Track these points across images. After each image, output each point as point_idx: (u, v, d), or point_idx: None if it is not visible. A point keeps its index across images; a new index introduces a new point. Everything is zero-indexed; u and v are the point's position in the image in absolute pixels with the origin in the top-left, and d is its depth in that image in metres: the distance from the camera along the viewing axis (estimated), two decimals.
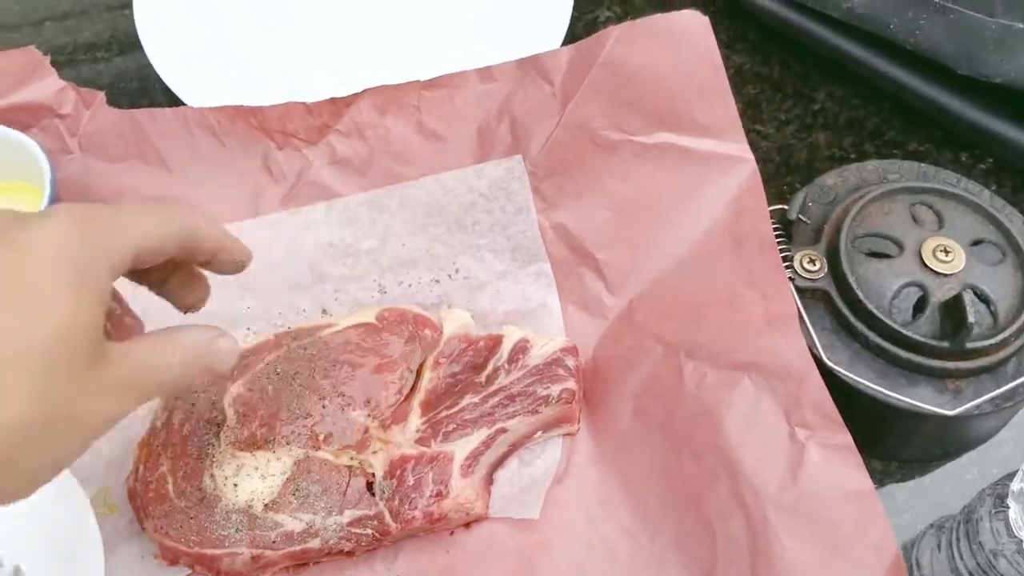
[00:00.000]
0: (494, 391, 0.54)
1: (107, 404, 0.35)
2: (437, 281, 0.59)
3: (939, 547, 0.52)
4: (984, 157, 0.66)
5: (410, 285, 0.59)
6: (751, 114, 0.69)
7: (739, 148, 0.55)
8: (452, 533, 0.52)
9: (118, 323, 0.40)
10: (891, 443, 0.54)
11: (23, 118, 0.62)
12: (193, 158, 0.63)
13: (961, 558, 0.51)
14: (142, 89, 0.70)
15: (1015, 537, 0.49)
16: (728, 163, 0.55)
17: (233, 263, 0.43)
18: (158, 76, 0.67)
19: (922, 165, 0.58)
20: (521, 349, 0.55)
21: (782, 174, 0.66)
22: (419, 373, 0.55)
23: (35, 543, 0.49)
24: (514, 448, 0.54)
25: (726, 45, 0.73)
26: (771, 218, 0.53)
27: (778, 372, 0.49)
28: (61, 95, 0.63)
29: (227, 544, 0.49)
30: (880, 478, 0.55)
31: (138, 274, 0.42)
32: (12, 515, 0.48)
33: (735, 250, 0.53)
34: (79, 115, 0.63)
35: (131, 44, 0.70)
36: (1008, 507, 0.49)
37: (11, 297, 0.31)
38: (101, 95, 0.63)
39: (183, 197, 0.62)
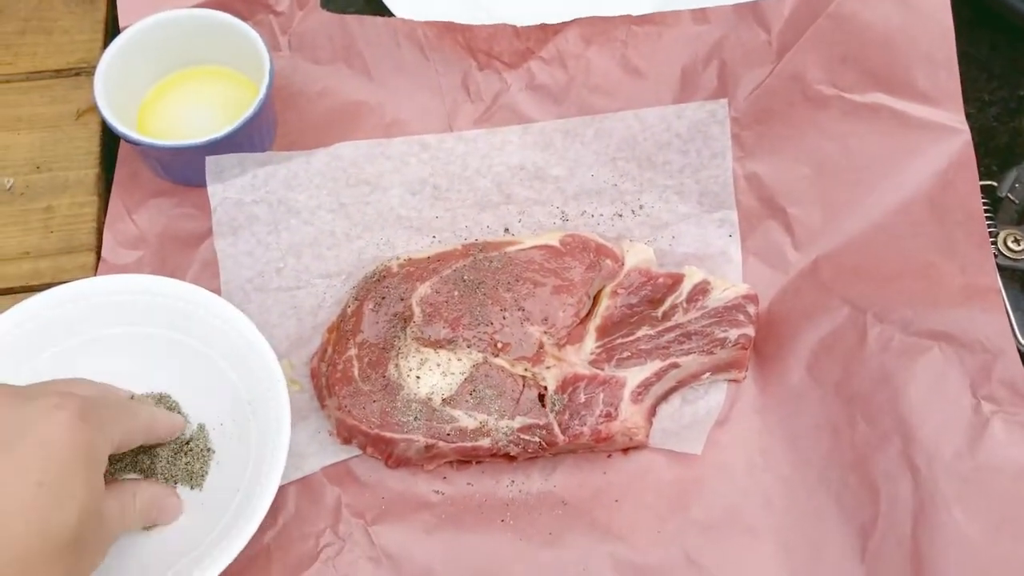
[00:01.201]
0: (671, 327, 0.54)
1: (110, 534, 0.44)
2: (620, 215, 0.60)
3: None
4: None
5: (592, 215, 0.60)
6: None
7: (955, 119, 0.54)
8: (610, 456, 0.53)
9: None
10: None
11: (239, 10, 0.64)
12: (396, 69, 0.65)
13: None
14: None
15: None
16: (941, 132, 0.54)
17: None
18: None
19: None
20: (702, 290, 0.55)
21: (980, 155, 0.63)
22: (596, 300, 0.56)
23: (224, 404, 0.52)
24: (681, 385, 0.55)
25: None
26: (980, 193, 0.52)
27: (971, 344, 0.48)
28: None
29: (405, 430, 0.51)
30: None
31: None
32: (203, 374, 0.52)
33: (937, 221, 0.52)
34: (292, 14, 0.66)
35: None
36: None
37: (41, 489, 0.38)
38: None
39: (382, 105, 0.64)
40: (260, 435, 0.51)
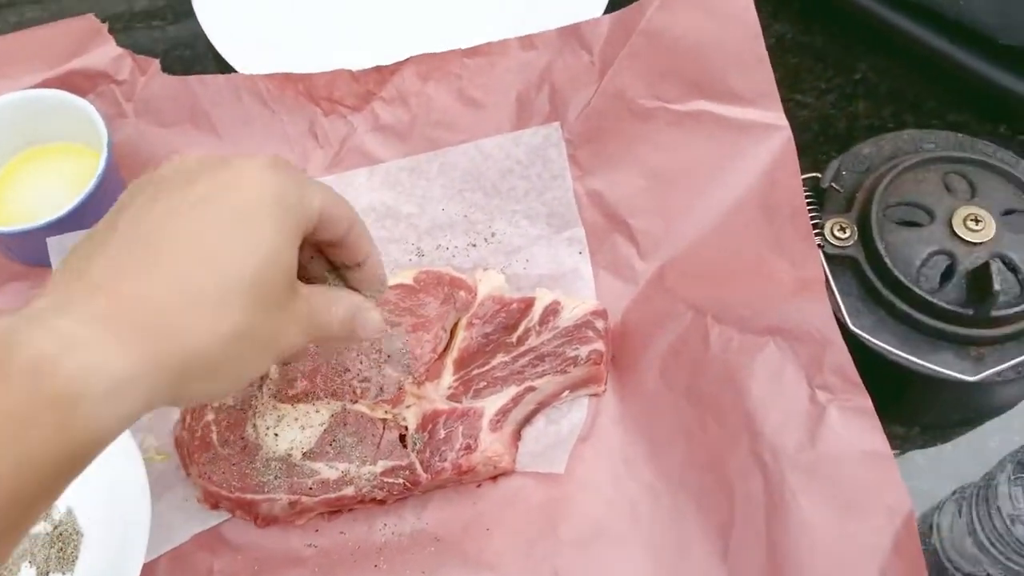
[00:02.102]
0: (524, 351, 0.55)
1: (293, 333, 0.39)
2: (473, 245, 0.61)
3: (959, 512, 0.53)
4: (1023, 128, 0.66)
5: (447, 248, 0.61)
6: (791, 83, 0.69)
7: (774, 116, 0.56)
8: (480, 486, 0.54)
9: None
10: (913, 408, 0.54)
11: (81, 84, 0.65)
12: (243, 124, 0.65)
13: (980, 523, 0.51)
14: (195, 56, 0.73)
15: None
16: (763, 131, 0.56)
17: (377, 278, 0.46)
18: (211, 44, 0.70)
19: (959, 135, 0.58)
20: (552, 311, 0.56)
21: (820, 143, 0.66)
22: (453, 332, 0.57)
23: (86, 486, 0.52)
24: (542, 406, 0.56)
25: (770, 14, 0.73)
26: (804, 186, 0.54)
27: (802, 337, 0.50)
28: (118, 62, 0.65)
29: (266, 490, 0.51)
30: (901, 443, 0.55)
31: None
32: None
33: (767, 218, 0.54)
34: (135, 81, 0.66)
35: (185, 12, 0.72)
36: None
37: (230, 229, 0.36)
38: (156, 62, 0.66)
39: None
40: (123, 514, 0.51)
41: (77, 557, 0.51)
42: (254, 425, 0.53)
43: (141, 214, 0.36)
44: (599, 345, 0.55)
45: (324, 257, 0.45)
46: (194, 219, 0.36)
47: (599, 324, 0.56)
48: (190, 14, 0.71)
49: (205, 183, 0.37)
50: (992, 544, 0.51)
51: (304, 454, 0.52)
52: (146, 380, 0.33)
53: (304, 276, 0.43)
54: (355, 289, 0.45)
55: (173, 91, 0.65)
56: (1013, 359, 0.50)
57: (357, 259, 0.44)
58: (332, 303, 0.42)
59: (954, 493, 0.54)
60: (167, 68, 0.66)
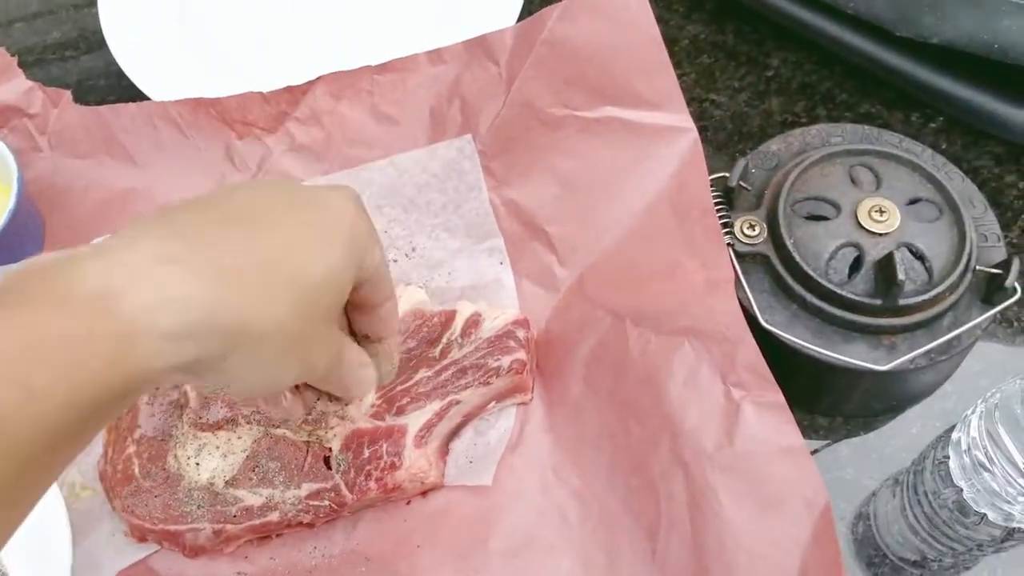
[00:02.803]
0: (447, 364, 0.55)
1: (320, 357, 0.40)
2: (395, 260, 0.61)
3: (893, 497, 0.53)
4: (934, 116, 0.67)
5: None
6: (705, 83, 0.70)
7: (681, 119, 0.56)
8: (409, 503, 0.54)
9: None
10: (832, 400, 0.55)
11: None
12: (158, 151, 0.65)
13: (911, 508, 0.52)
14: (109, 86, 0.72)
15: (955, 486, 0.50)
16: (670, 134, 0.56)
17: (390, 362, 0.47)
18: (124, 72, 0.69)
19: (866, 127, 0.59)
20: (473, 323, 0.56)
21: (735, 141, 0.67)
22: None
23: None
24: (468, 419, 0.56)
25: (683, 16, 0.74)
26: (714, 186, 0.55)
27: (715, 335, 0.50)
28: (29, 95, 0.65)
29: (190, 520, 0.51)
30: (825, 434, 0.56)
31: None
32: None
33: (678, 219, 0.55)
34: (47, 114, 0.65)
35: (98, 42, 0.72)
36: (949, 457, 0.51)
37: (311, 235, 0.38)
38: (67, 94, 0.65)
39: (150, 189, 0.64)
40: (45, 554, 0.50)
41: None
42: (175, 455, 0.53)
43: (239, 193, 0.39)
44: (521, 354, 0.55)
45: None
46: (285, 212, 0.38)
47: (520, 333, 0.56)
48: (103, 43, 0.70)
49: (301, 193, 0.40)
50: (923, 528, 0.52)
51: (227, 482, 0.52)
52: (203, 333, 0.33)
53: None
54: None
55: (86, 122, 0.65)
56: (924, 346, 0.51)
57: (381, 334, 0.46)
58: (367, 366, 0.44)
59: (889, 479, 0.55)
60: (81, 99, 0.66)
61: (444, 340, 0.56)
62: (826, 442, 0.56)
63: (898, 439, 0.56)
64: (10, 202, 0.58)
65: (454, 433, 0.56)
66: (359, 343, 0.45)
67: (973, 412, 0.50)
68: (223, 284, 0.34)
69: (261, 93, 0.63)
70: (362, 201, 0.41)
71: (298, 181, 0.41)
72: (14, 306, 0.30)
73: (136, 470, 0.52)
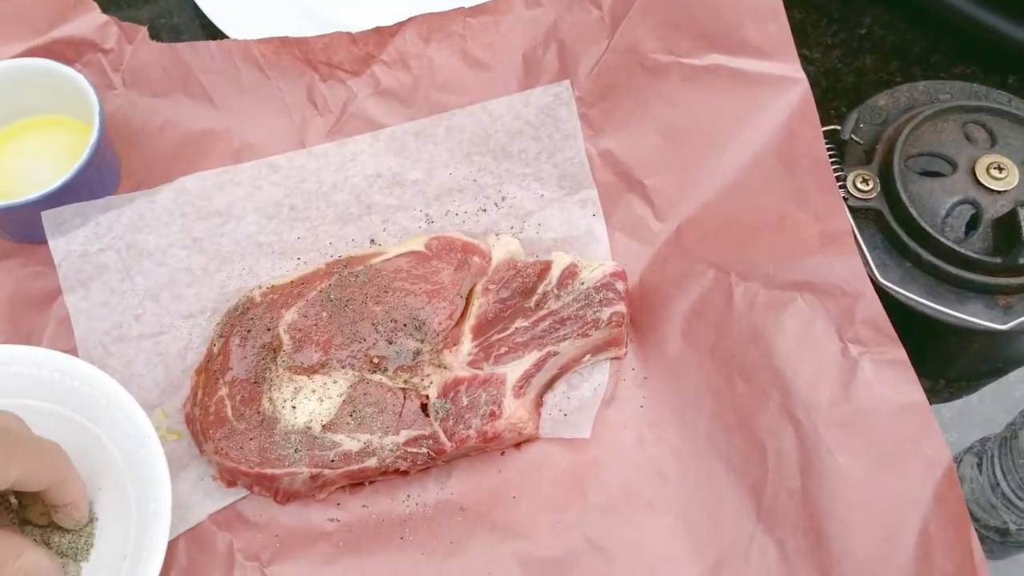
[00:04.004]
0: (544, 315, 0.54)
1: None
2: (484, 210, 0.59)
3: (980, 464, 0.52)
4: None
5: (456, 214, 0.59)
6: (797, 39, 0.66)
7: (791, 69, 0.54)
8: (503, 454, 0.53)
9: None
10: (940, 361, 0.54)
11: (67, 53, 0.62)
12: (238, 92, 0.63)
13: (1004, 475, 0.51)
14: (183, 24, 0.70)
15: None
16: (780, 84, 0.54)
17: (76, 519, 0.49)
18: (198, 12, 0.67)
19: (974, 85, 0.58)
20: (570, 274, 0.55)
21: (828, 98, 0.66)
22: (469, 299, 0.56)
23: (101, 469, 0.51)
24: (564, 371, 0.55)
25: None
26: (825, 138, 0.53)
27: (831, 290, 0.49)
28: (104, 30, 0.63)
29: (287, 464, 0.50)
30: (927, 397, 0.54)
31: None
32: (72, 440, 0.50)
33: (787, 172, 0.53)
34: (122, 50, 0.63)
35: None
36: None
37: None
38: (143, 30, 0.63)
39: (228, 131, 0.62)
40: (139, 495, 0.49)
41: (92, 544, 0.49)
42: (270, 398, 0.51)
43: None
44: (620, 307, 0.54)
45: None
46: None
47: (619, 286, 0.55)
48: None
49: None
50: (1016, 495, 0.51)
51: (324, 426, 0.51)
52: None
53: None
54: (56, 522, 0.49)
55: (163, 59, 0.63)
56: None
57: (64, 501, 0.47)
58: (16, 552, 0.44)
59: (975, 444, 0.54)
60: (155, 36, 0.64)
61: (540, 291, 0.55)
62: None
63: (1000, 403, 0.55)
64: (92, 136, 0.56)
65: (548, 385, 0.54)
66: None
67: None
68: None
69: (349, 33, 0.61)
70: None
71: None
72: None
73: (229, 412, 0.51)
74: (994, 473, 0.52)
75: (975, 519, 0.52)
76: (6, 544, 0.45)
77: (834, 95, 0.66)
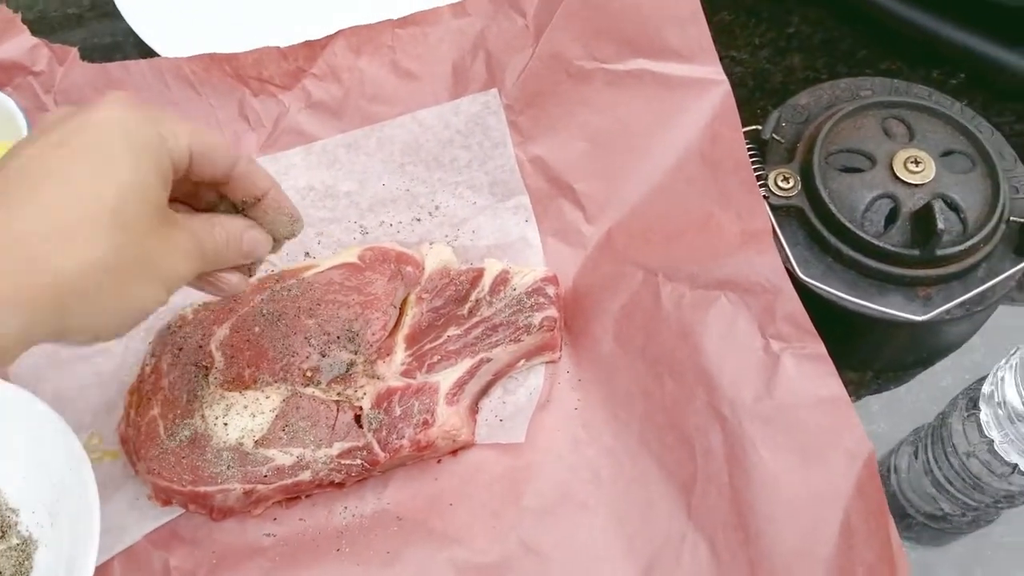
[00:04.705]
0: (477, 322, 0.55)
1: (178, 261, 0.40)
2: (418, 219, 0.60)
3: (916, 453, 0.53)
4: (955, 73, 0.66)
5: (391, 225, 0.60)
6: (725, 40, 0.69)
7: (712, 71, 0.55)
8: (440, 461, 0.53)
9: None
10: (865, 353, 0.55)
11: None
12: (170, 109, 0.63)
13: (936, 462, 0.52)
14: (116, 44, 0.70)
15: (986, 438, 0.50)
16: (702, 87, 0.55)
17: (284, 212, 0.46)
18: (130, 31, 0.67)
19: (894, 80, 0.58)
20: (502, 280, 0.56)
21: (757, 98, 0.67)
22: (403, 309, 0.56)
23: (35, 492, 0.51)
24: (498, 377, 0.55)
25: None
26: (746, 139, 0.54)
27: (752, 288, 0.49)
28: (34, 52, 0.63)
29: (220, 481, 0.50)
30: (855, 389, 0.56)
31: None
32: (13, 467, 0.50)
33: (710, 173, 0.54)
34: (53, 72, 0.63)
35: (104, 1, 0.70)
36: (979, 410, 0.50)
37: (80, 162, 0.37)
38: (74, 51, 0.63)
39: None
40: (72, 516, 0.49)
41: (32, 567, 0.49)
42: (202, 416, 0.51)
43: (9, 157, 0.38)
44: (552, 311, 0.54)
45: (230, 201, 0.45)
46: (52, 159, 0.37)
47: (550, 290, 0.55)
48: (108, 1, 0.68)
49: (60, 129, 0.38)
50: (949, 482, 0.51)
51: (256, 442, 0.51)
52: (20, 311, 0.34)
53: None
54: (268, 228, 0.46)
55: (95, 79, 0.63)
56: (960, 297, 0.51)
57: (254, 193, 0.45)
58: (214, 227, 0.43)
59: (910, 435, 0.55)
60: (86, 57, 0.64)
61: (472, 298, 0.55)
62: (856, 397, 0.56)
63: (928, 392, 0.56)
64: None
65: (483, 391, 0.55)
66: (244, 210, 0.45)
67: (1006, 363, 0.50)
68: (17, 257, 0.34)
69: (279, 48, 0.61)
70: (132, 100, 0.40)
71: (70, 110, 0.40)
72: None
73: (161, 431, 0.51)
74: (928, 461, 0.53)
75: (913, 507, 0.53)
76: (236, 219, 0.44)
77: (762, 94, 0.66)
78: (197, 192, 0.45)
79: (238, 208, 0.45)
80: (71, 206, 0.36)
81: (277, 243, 0.47)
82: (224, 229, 0.43)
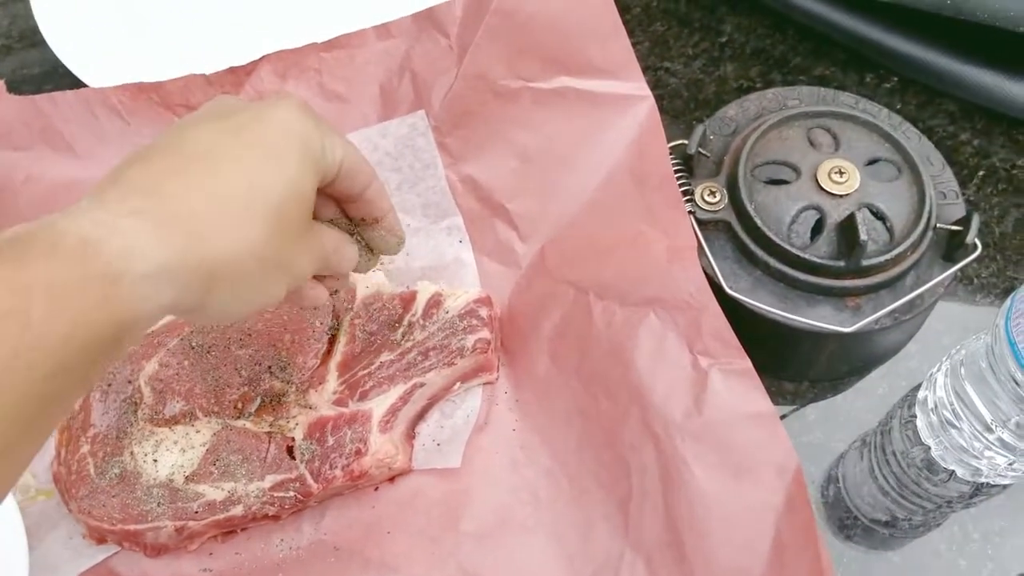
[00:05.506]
0: (410, 347, 0.54)
1: (306, 262, 0.42)
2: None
3: (861, 459, 0.54)
4: (888, 77, 0.67)
5: None
6: (659, 51, 0.69)
7: (637, 87, 0.55)
8: (377, 489, 0.53)
9: None
10: (798, 364, 0.55)
11: None
12: (99, 140, 0.62)
13: (879, 468, 0.52)
14: (45, 75, 0.69)
15: (923, 444, 0.50)
16: (626, 103, 0.55)
17: (395, 236, 0.48)
18: (59, 62, 0.66)
19: (822, 89, 0.59)
20: (435, 303, 0.55)
21: (691, 109, 0.67)
22: (335, 336, 0.55)
23: None
24: (434, 401, 0.55)
25: None
26: (673, 154, 0.54)
27: (679, 304, 0.49)
28: None
29: (150, 518, 0.49)
30: (792, 399, 0.56)
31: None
32: None
33: (638, 189, 0.54)
34: None
35: (31, 30, 0.69)
36: (916, 416, 0.51)
37: (262, 156, 0.38)
38: (0, 83, 0.62)
39: (93, 180, 0.61)
40: (1, 562, 0.48)
41: None
42: (132, 453, 0.51)
43: (183, 133, 0.39)
44: (485, 333, 0.54)
45: (345, 217, 0.47)
46: (230, 142, 0.38)
47: (483, 312, 0.55)
48: (36, 32, 0.67)
49: (242, 115, 0.40)
50: (893, 488, 0.52)
51: (187, 477, 0.50)
52: (178, 274, 0.35)
53: None
54: (374, 245, 0.48)
55: (22, 112, 0.62)
56: (888, 306, 0.51)
57: (375, 215, 0.47)
58: (346, 243, 0.46)
59: (856, 441, 0.55)
60: (16, 89, 0.63)
61: (406, 322, 0.55)
62: (793, 407, 0.56)
63: (864, 401, 0.56)
64: None
65: (420, 416, 0.55)
66: (359, 227, 0.47)
67: (938, 370, 0.50)
68: (185, 225, 0.35)
69: (204, 75, 0.61)
70: (306, 105, 0.42)
71: (240, 101, 0.42)
72: (5, 261, 0.31)
73: (91, 470, 0.50)
74: (872, 467, 0.53)
75: (862, 514, 0.53)
76: (337, 231, 0.46)
77: (696, 105, 0.66)
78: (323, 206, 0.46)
79: (355, 224, 0.47)
80: (241, 194, 0.37)
81: (374, 259, 0.49)
82: (332, 239, 0.45)
